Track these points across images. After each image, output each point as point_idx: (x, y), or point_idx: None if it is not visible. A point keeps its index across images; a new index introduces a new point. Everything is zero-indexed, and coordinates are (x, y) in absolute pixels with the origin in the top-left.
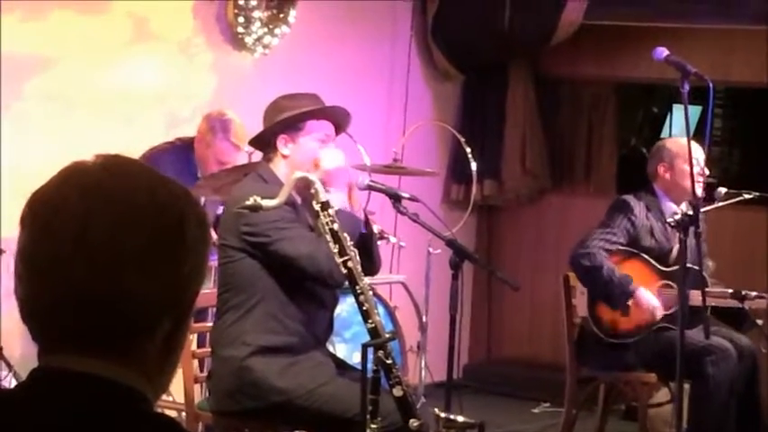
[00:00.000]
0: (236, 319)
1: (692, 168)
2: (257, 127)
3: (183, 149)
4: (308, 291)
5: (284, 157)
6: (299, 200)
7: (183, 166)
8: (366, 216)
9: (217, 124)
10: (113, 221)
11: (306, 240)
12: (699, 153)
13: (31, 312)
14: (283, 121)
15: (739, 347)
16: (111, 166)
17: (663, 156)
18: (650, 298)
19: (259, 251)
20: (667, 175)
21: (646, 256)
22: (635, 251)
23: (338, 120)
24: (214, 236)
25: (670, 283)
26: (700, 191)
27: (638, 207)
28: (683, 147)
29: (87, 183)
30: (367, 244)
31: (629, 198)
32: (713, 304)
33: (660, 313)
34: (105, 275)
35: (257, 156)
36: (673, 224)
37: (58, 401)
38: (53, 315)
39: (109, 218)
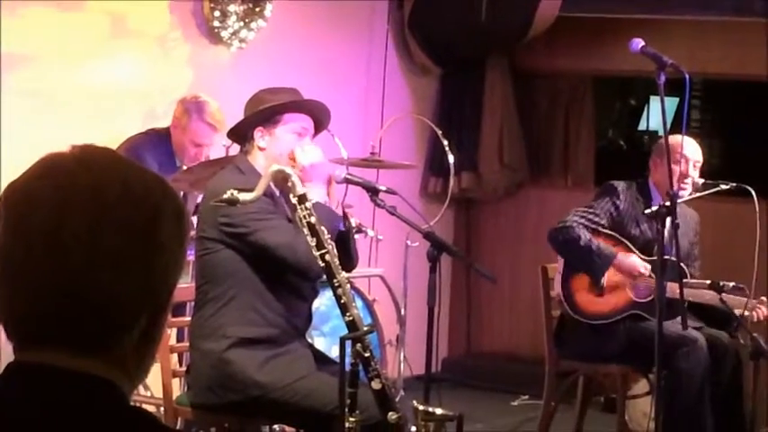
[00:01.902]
0: (214, 311)
1: (669, 161)
2: (234, 120)
3: (159, 139)
4: (288, 282)
5: (261, 149)
6: (277, 192)
7: (162, 155)
8: (344, 212)
9: (191, 106)
10: (87, 219)
11: (284, 230)
12: (693, 153)
13: (5, 308)
14: (260, 113)
15: (722, 344)
16: (86, 160)
17: (658, 151)
18: (634, 258)
19: (238, 242)
20: (656, 171)
21: (628, 244)
22: (617, 237)
23: (317, 115)
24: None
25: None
26: (685, 191)
27: (626, 194)
28: (676, 144)
29: (61, 177)
30: (345, 240)
31: (618, 183)
32: (690, 299)
33: (647, 270)
34: (80, 274)
35: (234, 150)
36: (650, 215)
37: (34, 395)
38: (28, 312)
39: (82, 215)
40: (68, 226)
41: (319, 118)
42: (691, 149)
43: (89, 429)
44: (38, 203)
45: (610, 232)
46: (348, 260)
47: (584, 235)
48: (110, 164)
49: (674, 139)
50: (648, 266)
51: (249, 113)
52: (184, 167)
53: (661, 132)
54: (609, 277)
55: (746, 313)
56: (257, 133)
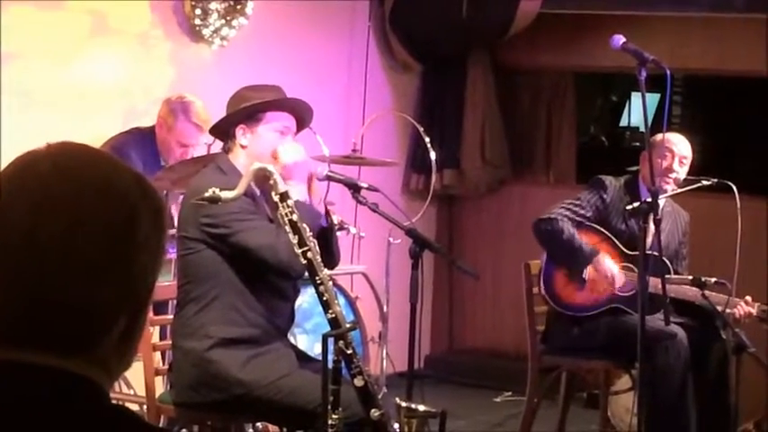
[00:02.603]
0: (197, 311)
1: (650, 157)
2: (216, 119)
3: (143, 137)
4: (269, 282)
5: (243, 147)
6: (257, 191)
7: (147, 154)
8: (326, 209)
9: (177, 107)
10: (64, 220)
11: (266, 231)
12: (680, 149)
13: None
14: (242, 111)
15: (708, 338)
16: (63, 159)
17: (647, 146)
18: (611, 265)
19: (219, 243)
20: (645, 165)
21: (613, 238)
22: (602, 231)
23: (299, 113)
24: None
25: (630, 265)
26: (669, 186)
27: (613, 188)
28: (663, 139)
29: (38, 177)
30: (326, 237)
31: (606, 178)
32: (672, 295)
33: (619, 282)
34: (56, 278)
35: (216, 146)
36: (632, 210)
37: (12, 392)
38: (5, 312)
39: (59, 216)
40: (45, 227)
41: (302, 116)
42: (679, 145)
43: (70, 427)
44: (14, 204)
45: (594, 226)
46: (330, 258)
47: (568, 229)
48: (87, 162)
49: (666, 136)
50: (623, 280)
51: (231, 111)
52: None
53: (642, 128)
54: (590, 270)
55: (728, 310)
56: (239, 131)
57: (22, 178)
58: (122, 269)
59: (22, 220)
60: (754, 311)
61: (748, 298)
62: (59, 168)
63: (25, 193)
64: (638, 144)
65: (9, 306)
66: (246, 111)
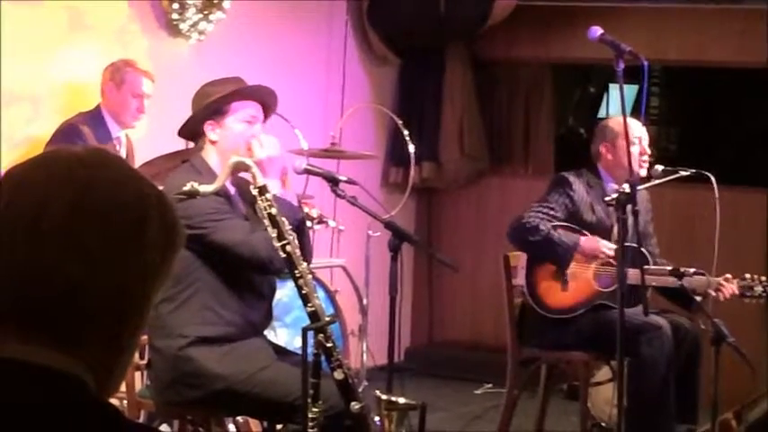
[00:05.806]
0: (171, 311)
1: (628, 146)
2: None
3: (92, 116)
4: (245, 280)
5: (213, 143)
6: (232, 190)
7: (98, 130)
8: (299, 205)
9: (120, 64)
10: (69, 211)
11: (241, 229)
12: (641, 131)
13: None
14: (207, 107)
15: (682, 329)
16: (88, 158)
17: (605, 135)
18: (596, 241)
19: (194, 244)
20: (609, 156)
21: (586, 233)
22: (573, 227)
23: (264, 100)
24: None
25: (608, 260)
26: (643, 170)
27: (578, 183)
28: (628, 127)
29: (56, 169)
30: (299, 234)
31: (569, 174)
32: (653, 284)
33: (610, 251)
34: (50, 264)
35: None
36: (610, 203)
37: None
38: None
39: (65, 207)
40: (48, 217)
41: (266, 102)
42: (640, 130)
43: (48, 423)
44: (26, 190)
45: (567, 224)
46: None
47: (544, 226)
48: (109, 164)
49: (618, 122)
50: (613, 246)
51: (196, 109)
52: (127, 132)
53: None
54: (572, 269)
55: (712, 294)
56: (208, 127)
57: (44, 166)
58: (120, 267)
59: (32, 204)
60: (735, 290)
61: (728, 275)
62: (81, 164)
63: (42, 180)
64: None
65: (4, 287)
66: (210, 107)
